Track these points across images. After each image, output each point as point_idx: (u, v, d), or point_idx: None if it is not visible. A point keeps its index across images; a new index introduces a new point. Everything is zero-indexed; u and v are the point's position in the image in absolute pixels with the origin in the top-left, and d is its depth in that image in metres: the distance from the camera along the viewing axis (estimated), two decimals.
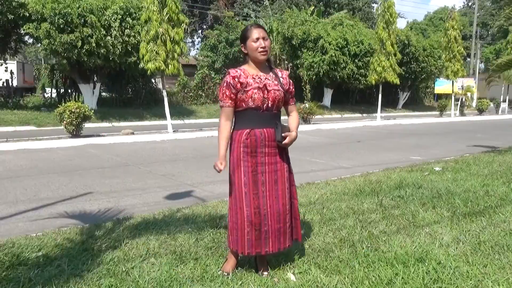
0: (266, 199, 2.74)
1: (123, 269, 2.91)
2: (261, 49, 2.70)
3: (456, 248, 3.29)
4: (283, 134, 2.73)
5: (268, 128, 2.74)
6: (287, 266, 2.96)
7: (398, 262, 2.96)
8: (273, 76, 2.81)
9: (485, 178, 5.93)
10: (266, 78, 2.77)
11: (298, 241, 3.00)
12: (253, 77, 2.73)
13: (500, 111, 28.56)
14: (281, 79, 2.82)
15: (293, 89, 2.93)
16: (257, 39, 2.70)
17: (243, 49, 2.81)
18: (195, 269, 2.92)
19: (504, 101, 28.83)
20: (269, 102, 2.73)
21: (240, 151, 2.71)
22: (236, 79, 2.70)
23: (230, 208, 2.80)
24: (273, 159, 2.78)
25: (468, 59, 45.08)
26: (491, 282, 2.71)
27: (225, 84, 2.73)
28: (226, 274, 2.83)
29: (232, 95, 2.72)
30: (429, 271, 2.84)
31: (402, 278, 2.74)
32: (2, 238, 3.60)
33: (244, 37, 2.76)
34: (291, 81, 2.91)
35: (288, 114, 2.97)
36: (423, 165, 7.22)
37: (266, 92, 2.71)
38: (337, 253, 3.18)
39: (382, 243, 3.39)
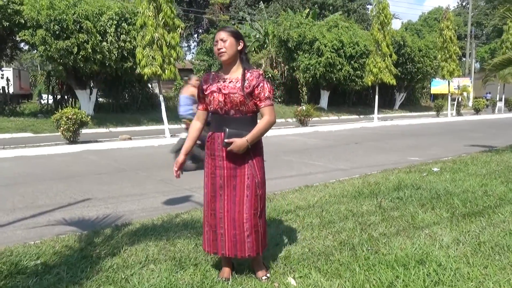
0: (223, 203, 2.75)
1: (123, 276, 2.90)
2: (218, 51, 2.73)
3: (456, 249, 3.28)
4: (227, 140, 2.65)
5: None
6: (287, 270, 2.95)
7: (399, 264, 2.96)
8: (239, 78, 2.72)
9: (483, 178, 5.94)
10: (230, 81, 2.73)
11: (259, 255, 2.84)
12: (218, 81, 2.76)
13: (496, 110, 28.65)
14: (246, 81, 2.69)
15: (263, 91, 2.69)
16: (216, 42, 2.73)
17: None
18: (195, 275, 2.91)
19: (500, 100, 28.93)
20: (227, 106, 2.70)
21: (206, 152, 2.84)
22: (201, 83, 2.83)
23: None
24: (231, 164, 2.73)
25: (464, 59, 45.25)
26: (492, 283, 2.70)
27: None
28: (225, 279, 2.81)
29: (201, 99, 2.86)
30: (429, 273, 2.84)
31: (403, 280, 2.73)
32: (0, 246, 3.58)
33: None
34: (260, 83, 2.69)
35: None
36: (421, 166, 7.22)
37: (222, 95, 2.70)
38: (337, 256, 3.17)
39: (382, 245, 3.38)
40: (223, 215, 2.74)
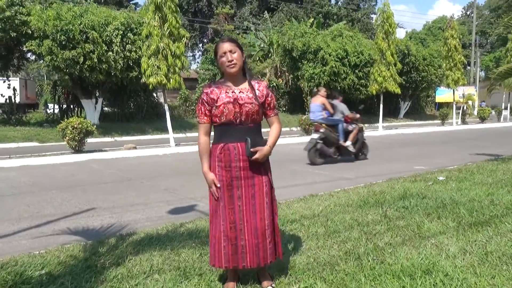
0: (242, 214, 2.72)
1: (127, 286, 2.89)
2: (228, 63, 2.69)
3: (463, 259, 3.25)
4: (252, 149, 2.67)
5: (242, 142, 2.71)
6: (292, 280, 2.93)
7: (405, 274, 2.93)
8: (249, 88, 2.77)
9: (489, 187, 5.89)
10: (240, 91, 2.74)
11: (279, 258, 2.90)
12: (226, 91, 2.72)
13: (502, 118, 28.53)
14: (257, 91, 2.76)
15: (273, 101, 2.84)
16: (224, 53, 2.70)
17: (217, 64, 2.83)
18: (199, 285, 2.89)
19: (506, 108, 28.82)
20: (243, 116, 2.70)
21: (216, 165, 2.74)
22: (208, 95, 2.73)
23: (210, 221, 2.82)
24: (249, 173, 2.73)
25: (468, 68, 45.20)
26: None
27: (200, 101, 2.78)
28: None
29: (206, 112, 2.75)
30: (436, 283, 2.81)
31: None
32: (5, 256, 3.58)
33: (215, 53, 2.78)
34: (269, 93, 2.83)
35: (270, 126, 2.89)
36: (426, 174, 7.18)
37: (238, 106, 2.69)
38: (342, 266, 3.14)
39: (388, 255, 3.36)
40: (243, 226, 2.71)
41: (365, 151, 10.16)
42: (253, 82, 2.80)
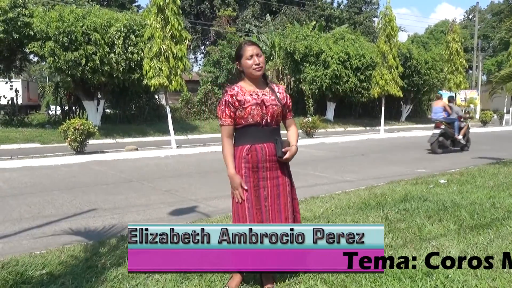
0: (269, 214, 2.75)
1: (128, 287, 2.89)
2: (256, 66, 2.71)
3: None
4: (283, 149, 2.74)
5: (268, 143, 2.75)
6: (293, 281, 2.93)
7: (406, 276, 2.92)
8: (270, 91, 2.82)
9: (491, 190, 5.88)
10: (263, 93, 2.78)
11: None
12: (250, 94, 2.74)
13: (503, 122, 28.48)
14: (278, 94, 2.83)
15: (290, 103, 2.92)
16: (251, 56, 2.71)
17: (238, 66, 2.82)
18: (200, 285, 2.89)
19: (508, 112, 28.77)
20: (268, 117, 2.74)
21: (242, 166, 2.73)
22: (234, 97, 2.72)
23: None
24: (274, 173, 2.79)
25: (470, 71, 45.17)
26: None
27: (223, 103, 2.75)
28: None
29: (231, 114, 2.73)
30: (437, 285, 2.80)
31: None
32: (6, 256, 3.59)
33: (238, 55, 2.78)
34: (287, 95, 2.90)
35: (286, 128, 2.98)
36: (428, 177, 7.18)
37: (264, 107, 2.73)
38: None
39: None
40: None
41: (468, 144, 12.62)
42: (273, 85, 2.86)
